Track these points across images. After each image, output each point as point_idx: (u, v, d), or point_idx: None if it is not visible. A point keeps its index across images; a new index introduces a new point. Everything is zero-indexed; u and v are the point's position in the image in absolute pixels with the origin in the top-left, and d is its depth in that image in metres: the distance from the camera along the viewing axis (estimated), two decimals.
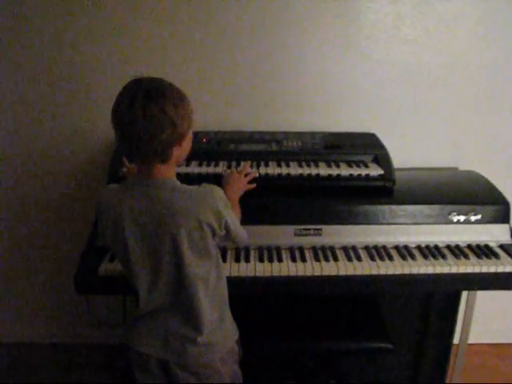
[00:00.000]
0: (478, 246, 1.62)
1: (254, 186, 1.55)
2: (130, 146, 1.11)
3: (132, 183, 1.21)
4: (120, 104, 1.09)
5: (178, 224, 1.13)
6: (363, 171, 1.69)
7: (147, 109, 1.06)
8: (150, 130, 1.07)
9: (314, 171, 1.68)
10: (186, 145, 1.20)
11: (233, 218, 1.24)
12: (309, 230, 1.59)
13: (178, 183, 1.19)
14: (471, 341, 1.95)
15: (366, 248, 1.59)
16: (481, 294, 1.83)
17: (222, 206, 1.18)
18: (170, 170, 1.19)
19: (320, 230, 1.59)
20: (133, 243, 1.16)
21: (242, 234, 1.30)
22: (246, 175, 1.57)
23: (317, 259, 1.52)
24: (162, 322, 1.23)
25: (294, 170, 1.68)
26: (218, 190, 1.21)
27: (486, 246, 1.62)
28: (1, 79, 1.98)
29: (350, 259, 1.52)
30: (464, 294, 1.87)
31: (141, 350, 1.24)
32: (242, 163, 1.69)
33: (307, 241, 1.59)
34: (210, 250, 1.20)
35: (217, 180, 1.50)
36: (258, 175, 1.63)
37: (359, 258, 1.53)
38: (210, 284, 1.23)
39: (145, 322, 1.25)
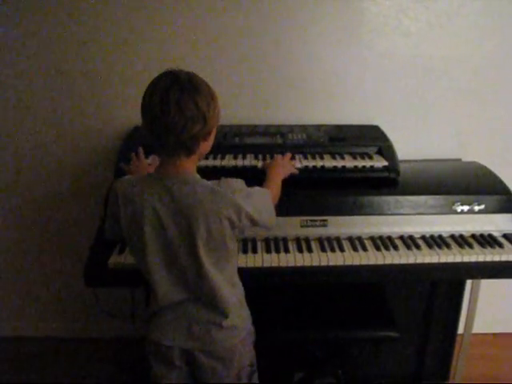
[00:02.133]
0: (481, 236, 1.63)
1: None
2: (159, 138, 1.12)
3: (154, 176, 1.21)
4: (153, 95, 1.10)
5: (196, 217, 1.14)
6: (368, 163, 1.72)
7: (181, 102, 1.08)
8: (181, 123, 1.09)
9: (319, 163, 1.70)
10: (211, 140, 1.22)
11: (255, 206, 1.23)
12: (315, 221, 1.61)
13: (199, 177, 1.20)
14: (475, 331, 1.97)
15: (372, 238, 1.61)
16: (485, 284, 1.84)
17: (241, 198, 1.19)
18: (192, 164, 1.20)
19: (326, 220, 1.61)
20: (150, 235, 1.17)
21: (269, 219, 1.30)
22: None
23: (323, 250, 1.54)
24: (184, 312, 1.24)
25: (300, 162, 1.70)
26: (235, 183, 1.23)
27: (490, 236, 1.63)
28: (12, 79, 2.01)
29: (355, 249, 1.54)
30: (468, 283, 1.89)
31: (163, 343, 1.25)
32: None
33: (313, 232, 1.61)
34: (227, 242, 1.21)
35: (222, 173, 1.50)
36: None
37: (365, 248, 1.55)
38: (227, 273, 1.25)
39: (165, 314, 1.25)
